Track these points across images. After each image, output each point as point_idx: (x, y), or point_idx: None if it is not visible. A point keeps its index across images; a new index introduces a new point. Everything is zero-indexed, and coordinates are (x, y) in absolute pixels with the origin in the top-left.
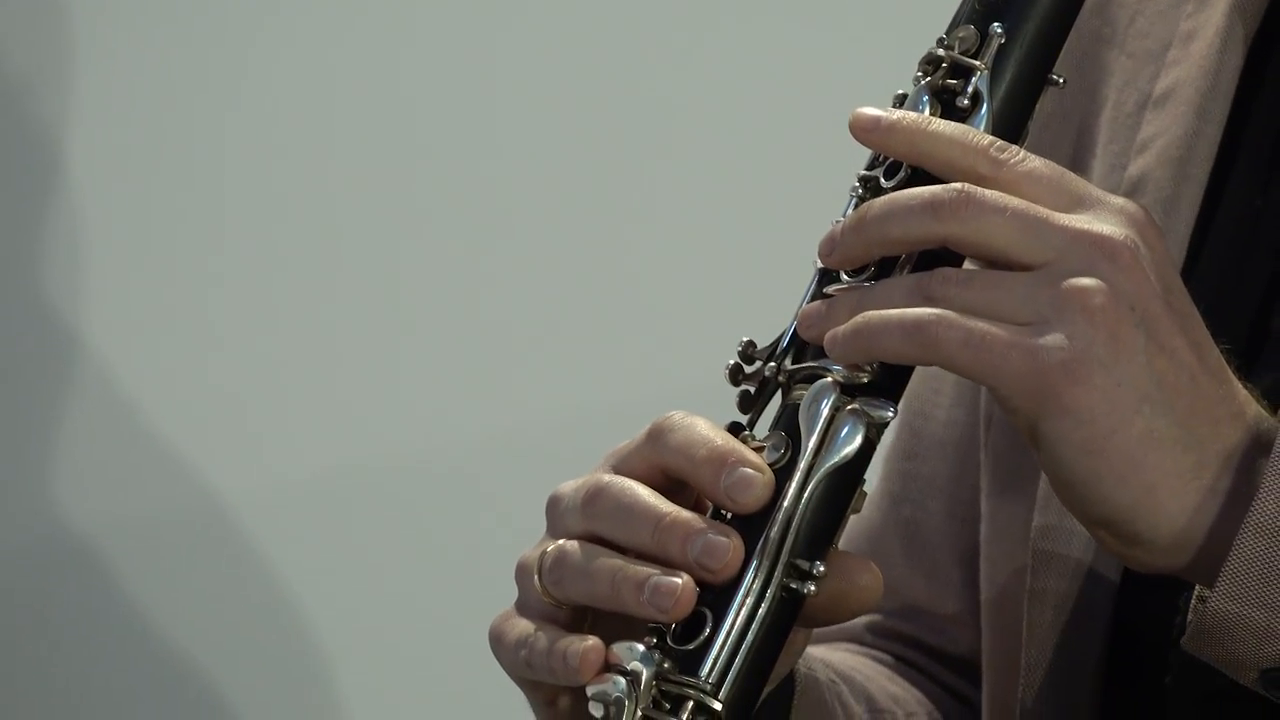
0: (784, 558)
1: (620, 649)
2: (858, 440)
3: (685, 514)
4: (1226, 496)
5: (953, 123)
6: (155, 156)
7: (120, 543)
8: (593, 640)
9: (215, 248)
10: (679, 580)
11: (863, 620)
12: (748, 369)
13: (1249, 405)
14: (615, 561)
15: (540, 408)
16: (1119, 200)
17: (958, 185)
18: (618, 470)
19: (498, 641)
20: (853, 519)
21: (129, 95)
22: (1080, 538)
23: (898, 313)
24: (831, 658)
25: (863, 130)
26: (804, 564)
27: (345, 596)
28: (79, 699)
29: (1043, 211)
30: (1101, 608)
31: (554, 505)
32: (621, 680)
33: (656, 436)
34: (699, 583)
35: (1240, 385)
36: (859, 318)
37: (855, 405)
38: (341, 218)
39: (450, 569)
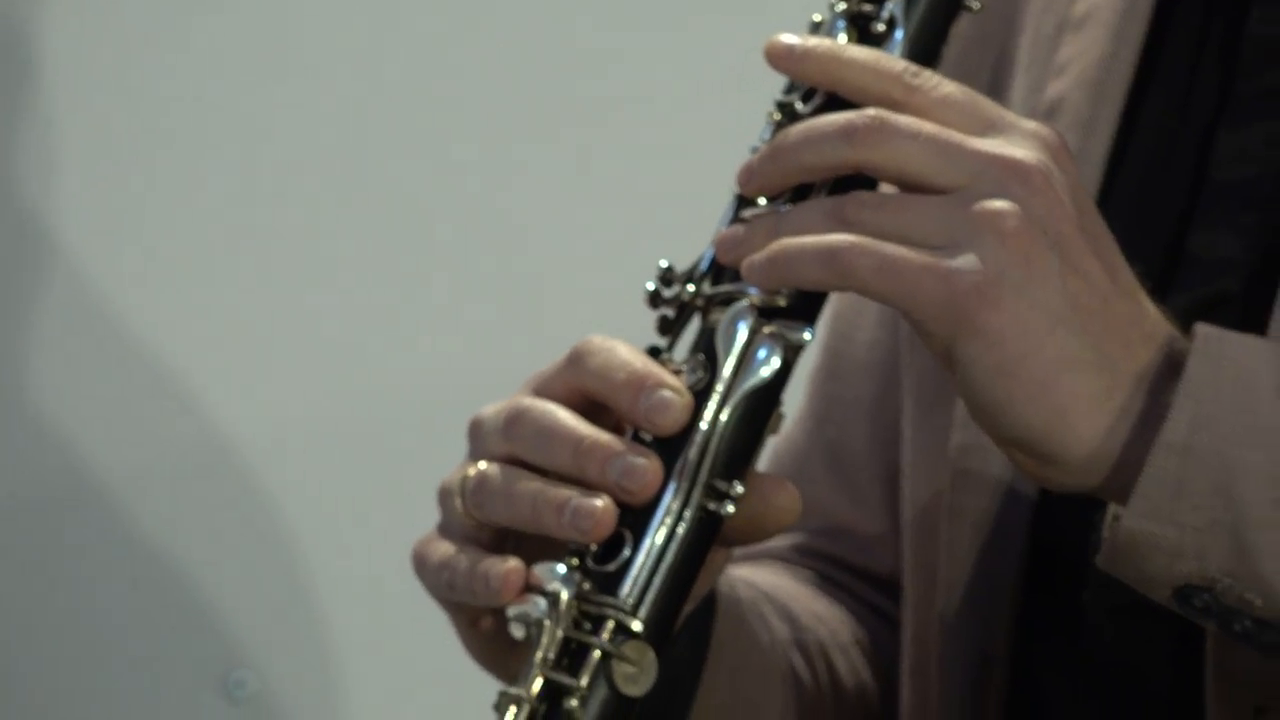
0: (702, 479)
1: (541, 570)
2: (775, 362)
3: (605, 436)
4: (1138, 417)
5: (867, 48)
6: (133, 66)
7: (95, 464)
8: (514, 562)
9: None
10: (599, 502)
11: (787, 540)
12: (666, 293)
13: (1161, 326)
14: (535, 484)
15: (486, 343)
16: (1032, 124)
17: (871, 111)
18: (539, 394)
19: (421, 563)
20: (778, 440)
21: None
22: (999, 456)
23: (813, 240)
24: (755, 577)
25: (778, 57)
26: (722, 485)
27: (339, 525)
28: (71, 635)
29: (956, 136)
30: (1019, 525)
31: (476, 429)
32: (542, 601)
33: (576, 360)
34: (619, 504)
35: (1153, 306)
36: (774, 245)
37: (772, 328)
38: (331, 136)
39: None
